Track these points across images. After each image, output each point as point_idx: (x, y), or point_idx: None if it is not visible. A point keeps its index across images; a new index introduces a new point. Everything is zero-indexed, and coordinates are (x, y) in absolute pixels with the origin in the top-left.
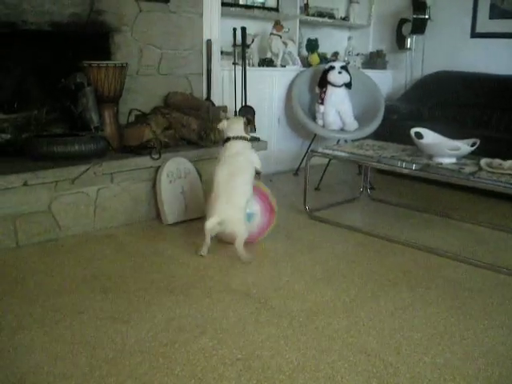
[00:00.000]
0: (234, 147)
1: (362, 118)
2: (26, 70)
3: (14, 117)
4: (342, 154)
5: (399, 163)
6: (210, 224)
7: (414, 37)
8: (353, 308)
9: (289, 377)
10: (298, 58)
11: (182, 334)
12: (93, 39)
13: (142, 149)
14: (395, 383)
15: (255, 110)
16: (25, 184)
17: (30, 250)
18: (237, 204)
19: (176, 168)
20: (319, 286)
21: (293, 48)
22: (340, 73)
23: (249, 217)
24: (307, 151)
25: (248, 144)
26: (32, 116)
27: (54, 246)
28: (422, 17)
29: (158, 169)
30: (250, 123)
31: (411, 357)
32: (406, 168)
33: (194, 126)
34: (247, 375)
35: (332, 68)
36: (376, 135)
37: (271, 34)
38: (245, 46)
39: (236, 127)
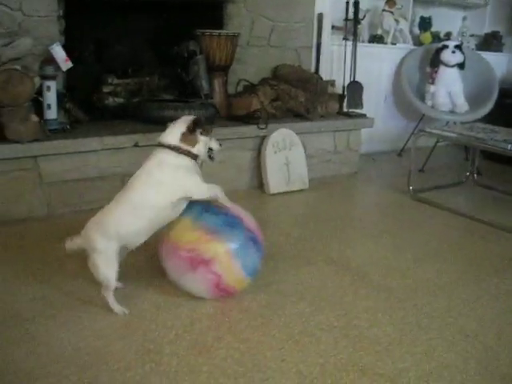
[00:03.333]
0: (153, 158)
1: (473, 100)
2: (140, 37)
3: (127, 82)
4: (452, 135)
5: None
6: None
7: None
8: (454, 289)
9: (385, 348)
10: (409, 35)
11: (281, 298)
12: (206, 9)
13: (249, 118)
14: (495, 367)
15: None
16: (135, 145)
17: None
18: (105, 230)
19: (282, 139)
20: (420, 265)
21: (404, 26)
22: (454, 52)
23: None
24: (413, 131)
25: (179, 160)
26: (144, 82)
27: None
28: None
29: (263, 139)
30: (199, 128)
31: None
32: None
33: (301, 98)
34: (344, 342)
35: (445, 47)
36: (487, 119)
37: (383, 10)
38: (357, 20)
39: (172, 130)
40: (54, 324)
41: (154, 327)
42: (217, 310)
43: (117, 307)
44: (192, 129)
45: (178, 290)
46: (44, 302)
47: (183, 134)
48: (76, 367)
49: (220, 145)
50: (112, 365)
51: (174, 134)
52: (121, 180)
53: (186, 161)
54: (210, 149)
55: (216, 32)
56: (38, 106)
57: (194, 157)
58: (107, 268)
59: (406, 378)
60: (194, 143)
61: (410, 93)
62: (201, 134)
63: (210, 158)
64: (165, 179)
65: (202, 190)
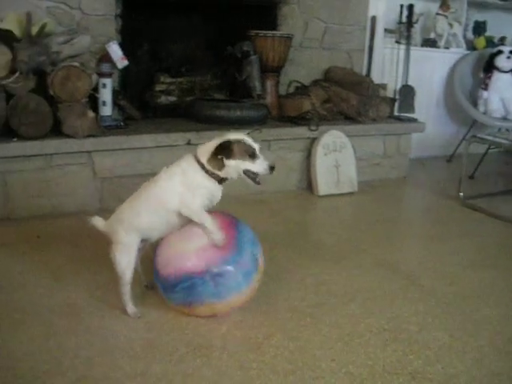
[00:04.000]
0: (178, 163)
1: None
2: (194, 37)
3: (180, 81)
4: (505, 142)
5: None
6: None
7: None
8: (503, 297)
9: (435, 354)
10: (462, 40)
11: (331, 298)
12: (261, 10)
13: (300, 119)
14: None
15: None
16: (188, 143)
17: None
18: (127, 224)
19: (332, 141)
20: (469, 272)
21: (458, 30)
22: (509, 58)
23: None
24: (464, 137)
25: (203, 179)
26: (196, 81)
27: None
28: None
29: (314, 140)
30: (221, 154)
31: None
32: None
33: (353, 101)
34: (393, 346)
35: (500, 52)
36: None
37: (437, 13)
38: (410, 24)
39: (209, 145)
40: (107, 315)
41: (204, 322)
42: (266, 308)
43: (130, 307)
44: (215, 154)
45: None
46: (97, 292)
47: (209, 157)
48: (129, 357)
49: (272, 168)
50: (164, 356)
51: (206, 150)
52: None
53: (208, 182)
54: (253, 172)
55: (270, 33)
56: (93, 102)
57: (220, 180)
58: (124, 259)
59: None
60: (220, 167)
61: (462, 98)
62: (227, 158)
63: (255, 181)
64: (182, 190)
65: (195, 210)
